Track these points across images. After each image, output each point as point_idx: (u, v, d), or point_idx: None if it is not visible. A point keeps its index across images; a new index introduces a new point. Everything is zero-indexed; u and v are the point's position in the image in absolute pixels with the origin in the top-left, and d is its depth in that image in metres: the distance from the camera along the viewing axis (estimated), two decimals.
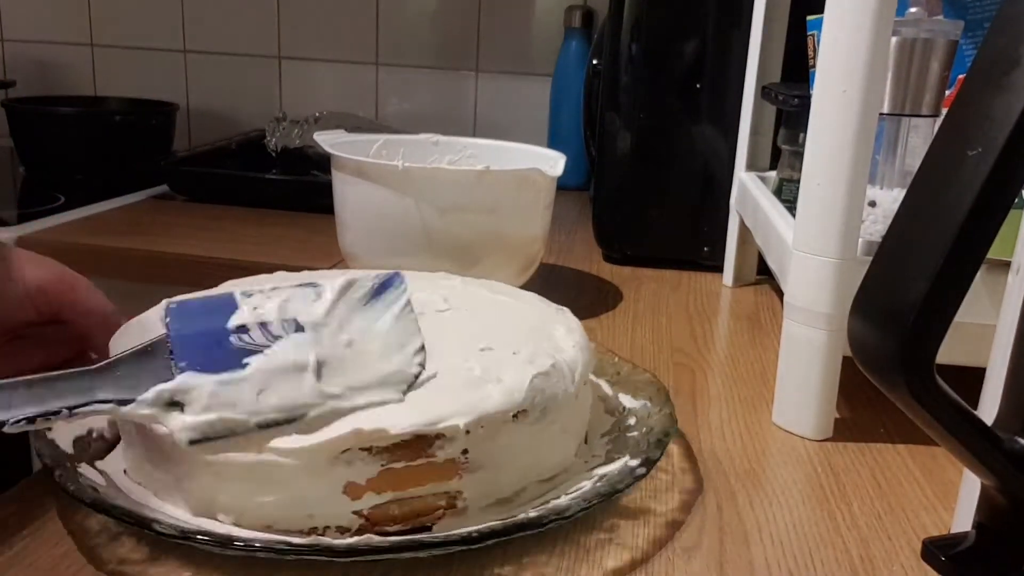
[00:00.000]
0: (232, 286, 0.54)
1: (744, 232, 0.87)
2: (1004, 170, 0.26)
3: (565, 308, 0.55)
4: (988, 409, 0.34)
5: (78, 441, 0.46)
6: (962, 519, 0.38)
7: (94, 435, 0.47)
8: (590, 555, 0.43)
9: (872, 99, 0.51)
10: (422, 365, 0.34)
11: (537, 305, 0.55)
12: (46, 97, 1.39)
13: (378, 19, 1.43)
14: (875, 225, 0.61)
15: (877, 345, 0.29)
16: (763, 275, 0.91)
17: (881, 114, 0.55)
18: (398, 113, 1.46)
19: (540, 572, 0.41)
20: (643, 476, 0.44)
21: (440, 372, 0.42)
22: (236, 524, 0.39)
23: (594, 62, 1.15)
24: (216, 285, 0.56)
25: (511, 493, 0.44)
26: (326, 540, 0.39)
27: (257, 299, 0.33)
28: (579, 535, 0.44)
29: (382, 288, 0.36)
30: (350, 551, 0.38)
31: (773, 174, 0.84)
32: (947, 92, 0.59)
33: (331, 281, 0.34)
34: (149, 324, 0.48)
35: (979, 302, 0.51)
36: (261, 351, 0.32)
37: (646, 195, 0.94)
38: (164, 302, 0.32)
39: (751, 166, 0.88)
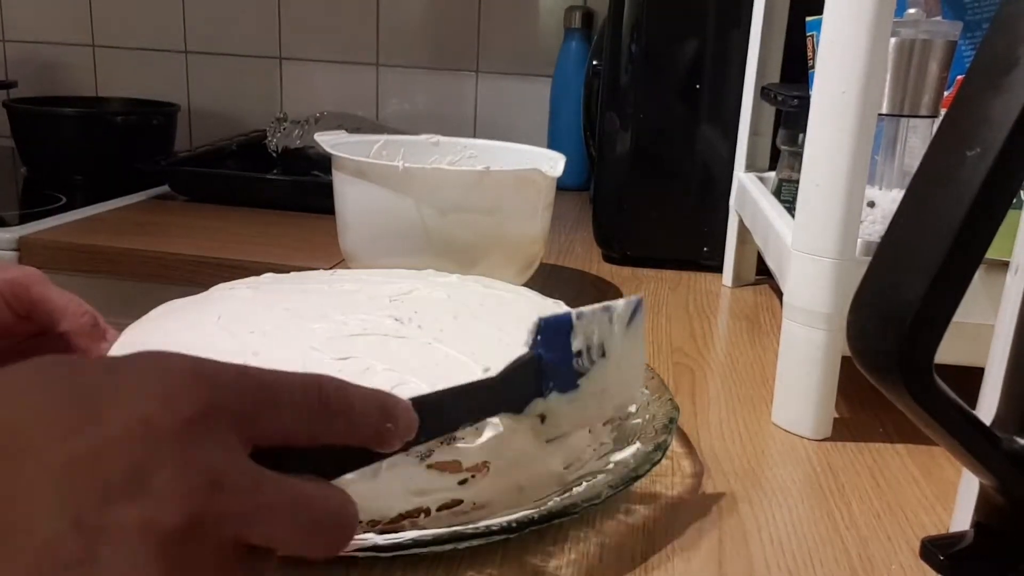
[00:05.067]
0: (221, 289, 0.54)
1: (743, 232, 0.87)
2: (1002, 170, 0.26)
3: (560, 301, 0.55)
4: (987, 409, 0.34)
5: None
6: (961, 518, 0.38)
7: None
8: (589, 554, 0.43)
9: (871, 100, 0.51)
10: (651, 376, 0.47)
11: (532, 298, 0.56)
12: (48, 98, 1.39)
13: (378, 20, 1.43)
14: (874, 225, 0.61)
15: (876, 345, 0.29)
16: (762, 275, 0.91)
17: (880, 115, 0.55)
18: (398, 113, 1.46)
19: (539, 572, 0.41)
20: (659, 461, 0.46)
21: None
22: None
23: (594, 63, 1.15)
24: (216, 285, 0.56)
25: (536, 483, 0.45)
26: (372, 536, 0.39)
27: (585, 323, 0.43)
28: (577, 534, 0.44)
29: (635, 311, 0.45)
30: (397, 546, 0.38)
31: (772, 174, 0.84)
32: (946, 93, 0.59)
33: (617, 305, 0.44)
34: (147, 334, 0.48)
35: (978, 302, 0.51)
36: (586, 374, 0.43)
37: (646, 195, 0.94)
38: (536, 319, 0.41)
39: (750, 166, 0.88)
